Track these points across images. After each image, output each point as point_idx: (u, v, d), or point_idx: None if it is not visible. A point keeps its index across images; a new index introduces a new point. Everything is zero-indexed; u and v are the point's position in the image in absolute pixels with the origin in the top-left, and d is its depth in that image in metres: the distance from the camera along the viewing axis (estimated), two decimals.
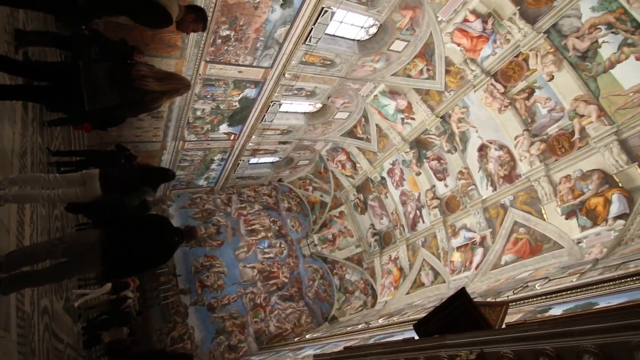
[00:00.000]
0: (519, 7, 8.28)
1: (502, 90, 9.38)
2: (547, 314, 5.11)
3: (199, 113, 10.55)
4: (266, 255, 15.77)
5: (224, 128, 11.63)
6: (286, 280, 15.68)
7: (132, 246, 2.73)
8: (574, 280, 5.69)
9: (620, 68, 7.34)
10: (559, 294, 5.36)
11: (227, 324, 13.71)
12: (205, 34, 8.00)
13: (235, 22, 8.09)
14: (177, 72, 8.71)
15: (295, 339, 13.29)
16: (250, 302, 14.52)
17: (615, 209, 7.30)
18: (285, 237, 16.63)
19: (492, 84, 9.51)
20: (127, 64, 2.96)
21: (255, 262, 15.37)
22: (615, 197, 7.39)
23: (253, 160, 15.06)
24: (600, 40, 7.48)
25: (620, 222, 7.13)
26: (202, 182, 14.79)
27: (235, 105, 10.80)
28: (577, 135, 8.20)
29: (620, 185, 7.39)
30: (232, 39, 8.48)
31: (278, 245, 16.28)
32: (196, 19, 3.27)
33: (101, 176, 3.18)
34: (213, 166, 13.84)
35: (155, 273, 12.92)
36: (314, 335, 12.38)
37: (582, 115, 8.01)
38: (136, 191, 3.47)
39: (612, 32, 7.30)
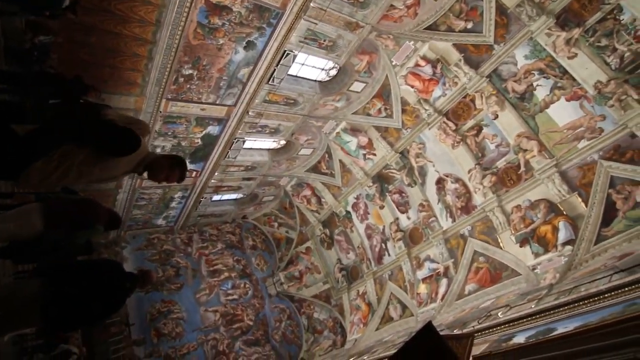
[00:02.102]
0: (463, 55, 9.17)
1: (454, 127, 10.09)
2: (510, 342, 5.21)
3: (159, 150, 10.25)
4: (229, 297, 14.95)
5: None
6: (251, 323, 14.84)
7: (79, 299, 2.46)
8: (532, 306, 5.91)
9: (553, 108, 8.23)
10: (519, 322, 5.52)
11: None
12: (167, 73, 8.01)
13: (198, 62, 8.19)
14: (137, 109, 8.54)
15: None
16: (212, 350, 13.48)
17: (562, 235, 7.83)
18: (249, 277, 15.96)
19: (444, 122, 10.22)
20: (91, 107, 2.85)
21: (217, 305, 14.49)
22: (561, 224, 7.96)
23: (216, 197, 14.67)
24: (534, 84, 8.40)
25: (569, 247, 7.63)
26: (160, 221, 14.07)
27: (198, 142, 10.65)
28: (522, 168, 8.90)
29: (564, 213, 8.00)
30: (195, 78, 8.54)
31: (242, 285, 15.55)
32: (172, 165, 2.70)
33: (44, 208, 2.82)
34: (173, 204, 13.28)
35: (105, 323, 11.73)
36: None
37: (526, 150, 8.75)
38: (88, 229, 3.06)
39: (544, 77, 8.24)
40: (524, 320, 5.49)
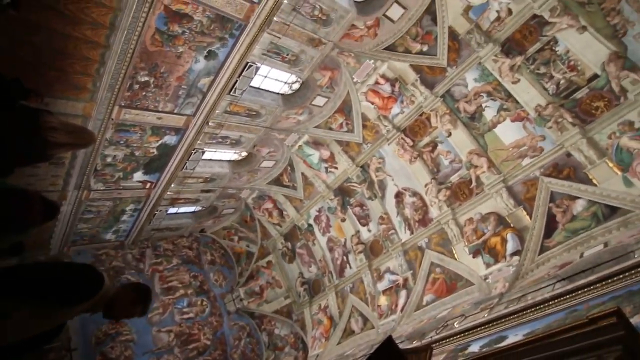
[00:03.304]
0: (419, 75, 9.67)
1: (411, 143, 10.52)
2: (467, 351, 5.39)
3: (109, 160, 9.63)
4: (185, 316, 14.14)
5: (138, 176, 10.72)
6: (208, 343, 14.11)
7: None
8: (485, 315, 6.18)
9: (500, 127, 8.87)
10: (473, 331, 5.74)
11: None
12: (120, 78, 7.60)
13: (156, 69, 7.87)
14: (86, 115, 7.98)
15: None
16: None
17: (510, 246, 8.35)
18: (207, 294, 15.25)
19: (402, 138, 10.62)
20: (31, 112, 2.58)
21: (172, 324, 13.64)
22: (509, 236, 8.49)
23: (172, 210, 13.99)
24: (483, 105, 9.02)
25: (516, 258, 8.14)
26: (109, 235, 13.11)
27: (153, 152, 10.14)
28: (474, 183, 9.44)
29: (512, 225, 8.56)
30: (152, 85, 8.18)
31: (199, 303, 14.80)
32: (136, 301, 2.27)
33: None
34: (124, 217, 12.45)
35: (43, 349, 10.55)
36: None
37: (476, 166, 9.31)
38: (15, 232, 2.51)
39: (492, 99, 8.89)
40: (478, 329, 5.72)
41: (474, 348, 5.26)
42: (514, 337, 4.65)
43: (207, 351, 13.89)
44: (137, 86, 8.01)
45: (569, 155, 7.68)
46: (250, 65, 8.91)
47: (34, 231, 2.86)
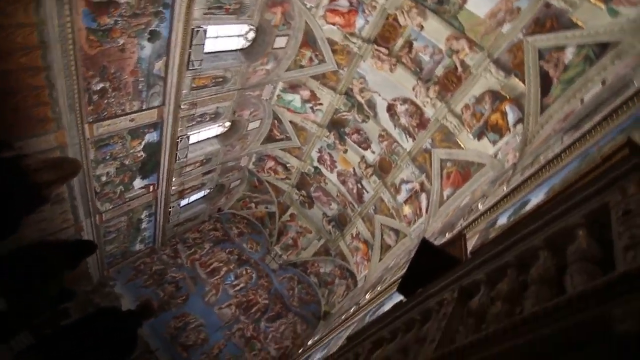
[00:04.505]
0: None
1: (386, 51, 10.06)
2: (496, 225, 5.73)
3: (104, 179, 9.57)
4: (237, 288, 15.14)
5: (138, 183, 10.73)
6: (267, 302, 15.28)
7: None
8: (504, 189, 6.44)
9: (471, 2, 8.32)
10: (497, 206, 6.03)
11: None
12: (76, 95, 7.22)
13: (106, 72, 7.43)
14: (61, 144, 7.77)
15: (300, 351, 13.10)
16: (241, 340, 13.90)
17: (511, 117, 8.35)
18: (248, 262, 16.11)
19: (376, 49, 10.13)
20: (10, 163, 2.53)
21: (228, 299, 14.68)
22: (508, 108, 8.45)
23: (183, 202, 14.19)
24: None
25: (520, 126, 8.18)
26: (138, 246, 13.55)
27: (141, 156, 10.01)
28: (459, 69, 9.16)
29: (508, 97, 8.46)
30: (110, 90, 7.79)
31: (244, 272, 15.72)
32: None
33: None
34: (143, 225, 12.74)
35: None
36: (315, 339, 12.33)
37: (457, 51, 8.94)
38: (51, 277, 2.68)
39: None
40: (501, 203, 6.00)
41: (502, 220, 5.57)
42: (535, 199, 4.88)
43: (268, 309, 15.08)
44: (95, 97, 7.64)
45: (548, 5, 7.26)
46: (197, 31, 8.31)
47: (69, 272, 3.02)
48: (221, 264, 15.45)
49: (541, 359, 1.30)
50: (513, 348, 1.36)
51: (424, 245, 3.08)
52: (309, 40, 10.65)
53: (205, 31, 8.61)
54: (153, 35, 7.57)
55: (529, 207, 4.82)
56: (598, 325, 1.12)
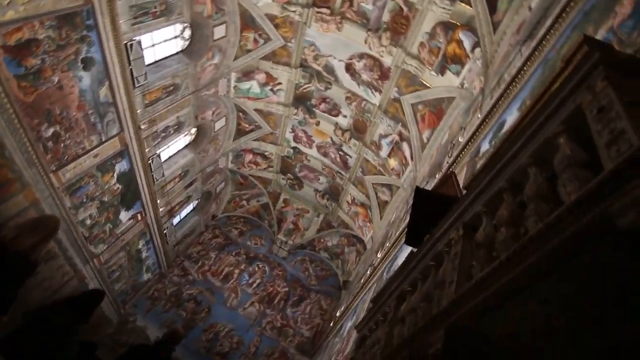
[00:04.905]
0: None
1: (329, 11, 9.74)
2: (480, 154, 5.84)
3: (88, 222, 9.29)
4: (254, 285, 15.32)
5: (124, 215, 10.47)
6: (286, 289, 15.55)
7: None
8: (479, 115, 6.51)
9: None
10: (476, 135, 6.12)
11: None
12: (29, 148, 6.83)
13: (52, 115, 7.02)
14: (34, 202, 7.45)
15: (331, 324, 13.53)
16: (273, 331, 14.24)
17: (467, 43, 8.30)
18: (257, 258, 16.22)
19: (317, 12, 9.80)
20: None
21: (250, 298, 14.88)
22: (461, 35, 8.39)
23: (175, 220, 14.00)
24: None
25: (477, 50, 8.17)
26: (145, 276, 13.44)
27: (118, 188, 9.70)
28: (405, 8, 8.97)
29: (458, 24, 8.39)
30: (62, 132, 7.40)
31: (257, 269, 15.87)
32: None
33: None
34: (144, 254, 12.58)
35: None
36: (342, 309, 12.71)
37: None
38: (67, 339, 2.65)
39: None
40: (479, 130, 6.09)
41: (485, 146, 5.67)
42: (510, 117, 4.96)
43: (289, 295, 15.38)
44: (50, 143, 7.25)
45: None
46: (131, 44, 7.85)
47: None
48: (232, 268, 15.52)
49: (553, 272, 1.34)
50: (527, 268, 1.40)
51: (419, 194, 3.12)
52: (247, 22, 10.22)
53: (139, 42, 8.14)
54: (87, 63, 7.12)
55: (506, 127, 4.90)
56: (600, 226, 1.15)
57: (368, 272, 10.96)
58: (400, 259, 7.67)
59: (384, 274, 8.94)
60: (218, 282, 14.99)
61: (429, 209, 2.93)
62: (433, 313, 2.11)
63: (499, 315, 1.66)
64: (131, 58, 7.93)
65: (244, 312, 14.44)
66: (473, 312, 1.72)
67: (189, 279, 14.72)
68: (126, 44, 7.70)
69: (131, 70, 8.06)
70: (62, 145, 7.51)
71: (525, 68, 4.89)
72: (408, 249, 6.92)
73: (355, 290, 11.97)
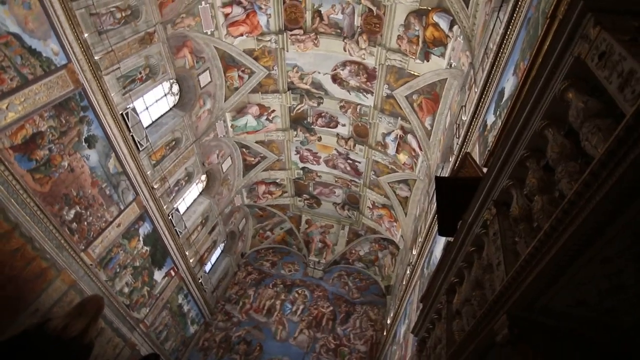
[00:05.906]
0: None
1: (301, 32, 9.96)
2: (488, 126, 5.75)
3: (126, 290, 9.45)
4: (298, 312, 15.16)
5: (158, 275, 10.62)
6: (331, 308, 15.33)
7: None
8: (475, 90, 6.46)
9: None
10: (479, 109, 6.04)
11: None
12: (56, 234, 7.06)
13: (70, 198, 7.27)
14: (71, 284, 7.64)
15: (385, 333, 13.21)
16: (329, 353, 13.97)
17: (444, 24, 8.32)
18: (295, 284, 16.11)
19: (291, 35, 10.03)
20: (37, 335, 2.47)
21: (297, 326, 14.70)
22: (435, 17, 8.43)
23: (207, 267, 14.11)
24: None
25: (455, 27, 8.17)
26: (192, 328, 13.48)
27: (146, 250, 9.88)
28: (374, 8, 9.10)
29: (429, 8, 8.44)
30: (83, 211, 7.63)
31: (297, 295, 15.73)
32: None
33: None
34: (185, 308, 12.66)
35: None
36: (391, 315, 12.43)
37: None
38: None
39: None
40: (481, 103, 6.02)
41: (491, 118, 5.59)
42: (507, 83, 4.90)
43: (336, 314, 15.13)
44: (74, 224, 7.49)
45: None
46: (127, 113, 8.15)
47: None
48: (273, 300, 15.43)
49: (606, 228, 1.29)
50: (577, 232, 1.35)
51: (440, 183, 3.07)
52: (228, 62, 10.52)
53: (134, 109, 8.44)
54: (90, 141, 7.41)
55: (507, 94, 4.84)
56: (637, 173, 1.11)
57: (408, 272, 10.74)
58: (437, 251, 7.51)
59: (424, 269, 8.75)
60: (262, 317, 14.89)
61: (454, 195, 2.88)
62: (489, 299, 2.04)
63: (559, 285, 1.59)
64: (129, 125, 8.21)
65: (295, 341, 14.25)
66: (531, 288, 1.66)
67: (234, 322, 14.67)
68: (122, 113, 8.00)
69: (132, 136, 8.33)
70: (85, 223, 7.74)
71: (508, 33, 4.86)
72: (442, 240, 6.78)
73: (399, 293, 11.72)
